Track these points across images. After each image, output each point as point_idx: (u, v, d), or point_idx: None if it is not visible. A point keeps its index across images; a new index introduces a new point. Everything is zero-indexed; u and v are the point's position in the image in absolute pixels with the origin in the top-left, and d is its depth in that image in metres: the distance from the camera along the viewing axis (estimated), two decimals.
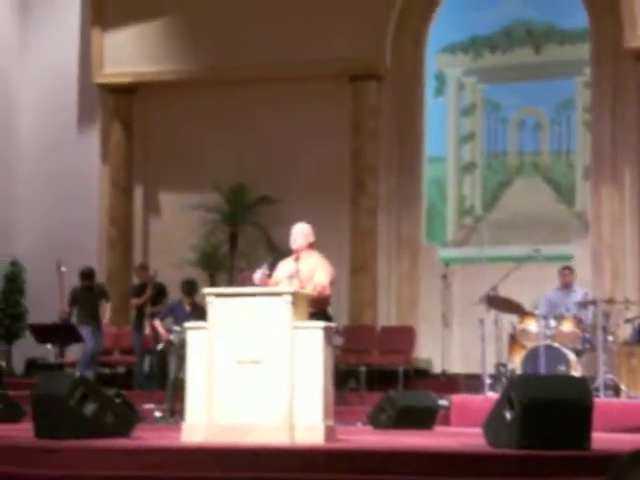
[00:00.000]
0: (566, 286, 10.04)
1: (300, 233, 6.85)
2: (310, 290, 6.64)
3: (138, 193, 14.00)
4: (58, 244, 13.74)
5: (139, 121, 13.96)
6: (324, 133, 13.15)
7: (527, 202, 13.00)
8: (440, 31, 13.43)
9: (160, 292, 11.55)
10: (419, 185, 13.27)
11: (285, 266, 6.89)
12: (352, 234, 12.98)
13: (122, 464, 5.75)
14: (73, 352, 11.63)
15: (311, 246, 6.87)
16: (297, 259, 6.81)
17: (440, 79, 13.61)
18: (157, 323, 9.77)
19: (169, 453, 5.93)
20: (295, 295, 6.34)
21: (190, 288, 9.54)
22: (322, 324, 6.39)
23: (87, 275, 11.12)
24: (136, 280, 12.31)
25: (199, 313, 8.60)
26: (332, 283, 6.91)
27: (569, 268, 10.21)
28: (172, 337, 9.07)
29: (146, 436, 6.76)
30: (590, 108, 12.82)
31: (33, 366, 13.27)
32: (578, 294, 9.91)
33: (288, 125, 13.24)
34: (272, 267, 6.84)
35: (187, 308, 9.46)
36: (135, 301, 11.64)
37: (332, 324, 6.60)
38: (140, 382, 11.44)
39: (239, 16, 13.30)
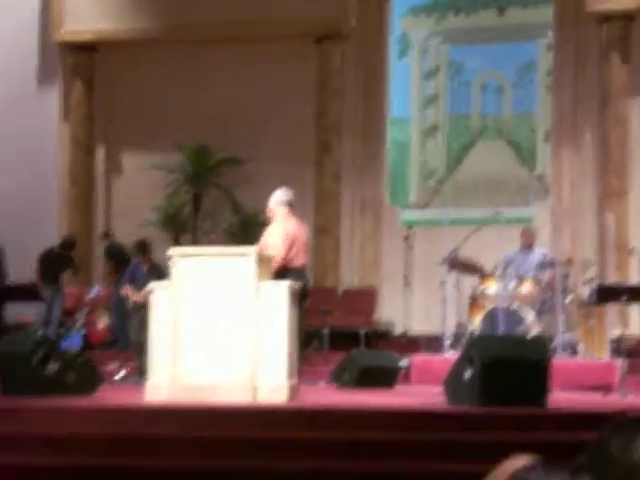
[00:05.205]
0: (527, 247, 10.11)
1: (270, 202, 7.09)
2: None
3: (100, 152, 13.86)
4: (18, 204, 13.61)
5: (100, 79, 13.78)
6: (288, 94, 13.09)
7: (489, 165, 13.08)
8: None
9: (119, 252, 11.54)
10: (382, 147, 13.29)
11: None
12: (316, 196, 12.99)
13: (84, 423, 5.77)
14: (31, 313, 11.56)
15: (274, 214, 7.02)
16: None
17: (404, 42, 13.59)
18: (127, 288, 9.74)
19: (132, 412, 5.95)
20: (260, 255, 6.37)
21: (142, 248, 9.51)
22: (286, 283, 6.43)
23: (68, 245, 11.19)
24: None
25: (156, 272, 8.63)
26: (290, 243, 7.07)
27: (530, 229, 10.29)
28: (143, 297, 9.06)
29: (109, 395, 6.78)
30: (552, 71, 12.90)
31: None
32: (536, 255, 10.02)
33: (252, 85, 13.15)
34: None
35: (144, 268, 9.43)
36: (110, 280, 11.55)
37: (296, 284, 6.65)
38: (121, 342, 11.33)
39: None
